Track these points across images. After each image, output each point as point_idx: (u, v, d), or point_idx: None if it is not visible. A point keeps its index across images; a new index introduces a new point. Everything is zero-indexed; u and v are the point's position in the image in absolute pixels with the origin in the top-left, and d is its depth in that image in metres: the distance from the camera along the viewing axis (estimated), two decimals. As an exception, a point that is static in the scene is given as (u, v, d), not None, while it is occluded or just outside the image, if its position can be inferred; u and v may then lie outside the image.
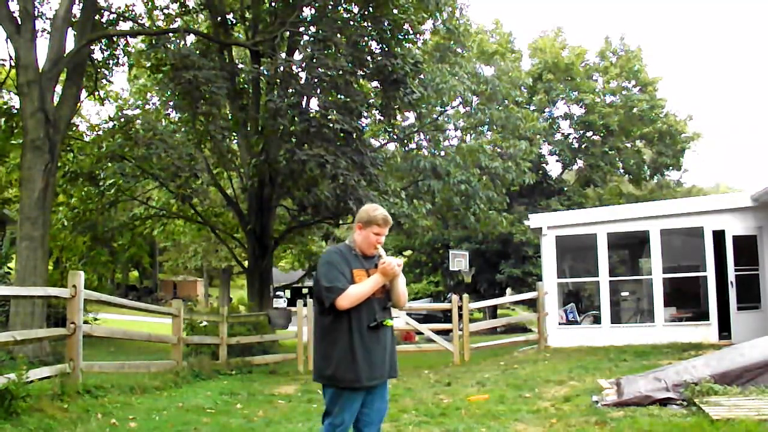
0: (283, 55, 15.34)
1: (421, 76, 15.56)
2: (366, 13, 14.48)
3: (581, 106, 30.33)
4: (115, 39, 14.60)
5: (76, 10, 12.17)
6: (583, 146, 30.88)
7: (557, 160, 31.58)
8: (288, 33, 15.11)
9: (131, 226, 17.80)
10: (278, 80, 13.64)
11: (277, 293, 35.10)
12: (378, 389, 3.45)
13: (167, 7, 16.82)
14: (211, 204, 19.23)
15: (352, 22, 14.55)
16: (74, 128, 15.53)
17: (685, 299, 12.31)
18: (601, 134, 30.42)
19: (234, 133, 16.69)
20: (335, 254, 3.44)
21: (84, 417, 5.62)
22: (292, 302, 33.58)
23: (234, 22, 17.17)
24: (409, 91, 14.28)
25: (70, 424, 5.33)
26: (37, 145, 10.59)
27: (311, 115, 13.88)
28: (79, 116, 16.82)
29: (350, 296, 3.27)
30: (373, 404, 3.45)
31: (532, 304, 15.47)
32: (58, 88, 11.90)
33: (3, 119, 13.88)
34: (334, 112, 13.14)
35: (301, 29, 15.08)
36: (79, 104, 13.84)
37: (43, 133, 10.60)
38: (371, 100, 15.97)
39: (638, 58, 30.96)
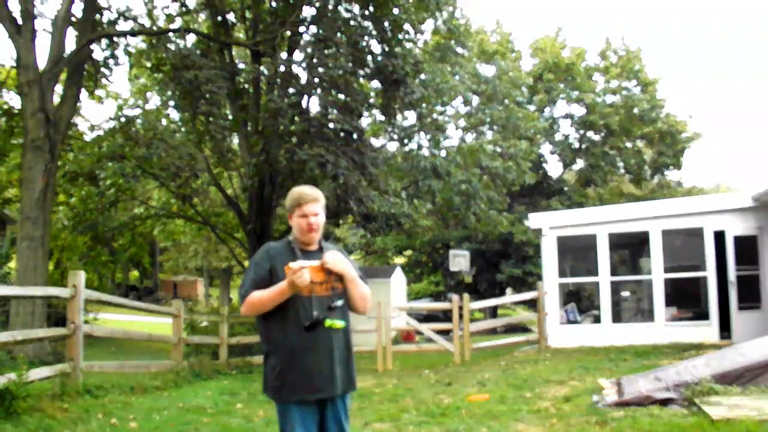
0: (284, 54, 15.34)
1: (422, 76, 15.57)
2: (366, 12, 14.48)
3: (582, 106, 30.33)
4: (115, 39, 14.60)
5: (77, 10, 12.18)
6: (583, 146, 30.88)
7: (558, 160, 31.62)
8: (288, 33, 15.11)
9: (131, 226, 17.85)
10: (278, 80, 13.65)
11: (278, 293, 35.03)
12: (330, 408, 2.80)
13: (167, 7, 16.83)
14: (212, 204, 19.26)
15: (352, 22, 14.54)
16: (74, 128, 15.54)
17: (686, 299, 12.29)
18: (602, 134, 30.42)
19: (234, 133, 16.70)
20: (262, 251, 2.94)
21: (84, 417, 5.62)
22: (292, 302, 33.51)
23: (234, 22, 17.15)
24: (409, 91, 14.28)
25: (71, 424, 5.33)
26: (38, 145, 10.61)
27: (311, 115, 13.88)
28: (79, 116, 16.81)
29: (249, 304, 2.76)
30: (326, 428, 2.80)
31: (532, 304, 15.43)
32: (59, 88, 11.92)
33: (3, 119, 13.90)
34: (335, 112, 13.15)
35: (302, 29, 15.08)
36: (79, 104, 13.85)
37: (43, 133, 10.62)
38: (371, 100, 15.97)
39: (638, 58, 30.93)
